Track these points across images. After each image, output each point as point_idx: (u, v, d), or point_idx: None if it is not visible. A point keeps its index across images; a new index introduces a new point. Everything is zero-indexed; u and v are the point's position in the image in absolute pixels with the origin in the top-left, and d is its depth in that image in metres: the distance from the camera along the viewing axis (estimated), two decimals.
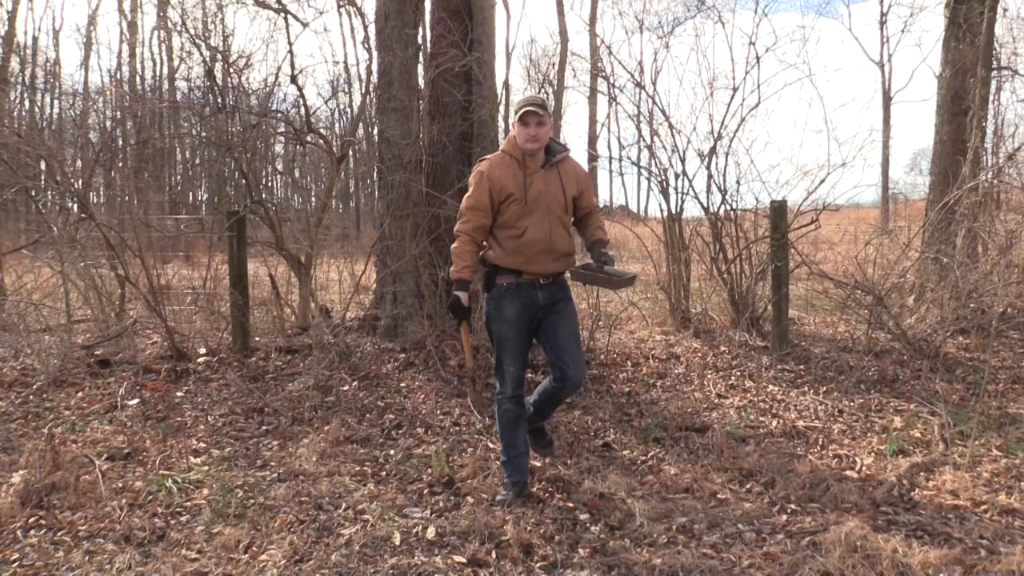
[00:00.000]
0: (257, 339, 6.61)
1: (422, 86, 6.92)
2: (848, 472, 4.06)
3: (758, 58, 7.09)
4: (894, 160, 31.92)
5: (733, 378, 5.76)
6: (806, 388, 5.47)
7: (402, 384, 5.63)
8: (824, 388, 5.43)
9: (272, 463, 4.30)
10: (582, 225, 4.02)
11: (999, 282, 6.30)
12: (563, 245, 3.79)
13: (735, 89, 7.08)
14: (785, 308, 6.21)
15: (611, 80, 8.02)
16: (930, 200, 8.16)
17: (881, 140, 27.35)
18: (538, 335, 3.86)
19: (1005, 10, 10.53)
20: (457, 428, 4.84)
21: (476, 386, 3.83)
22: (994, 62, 8.97)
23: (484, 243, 3.85)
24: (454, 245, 3.80)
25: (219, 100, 8.01)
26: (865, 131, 7.40)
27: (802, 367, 5.88)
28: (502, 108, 7.12)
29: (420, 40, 7.01)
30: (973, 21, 8.03)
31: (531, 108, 3.62)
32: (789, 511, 3.59)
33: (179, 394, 5.52)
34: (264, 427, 4.92)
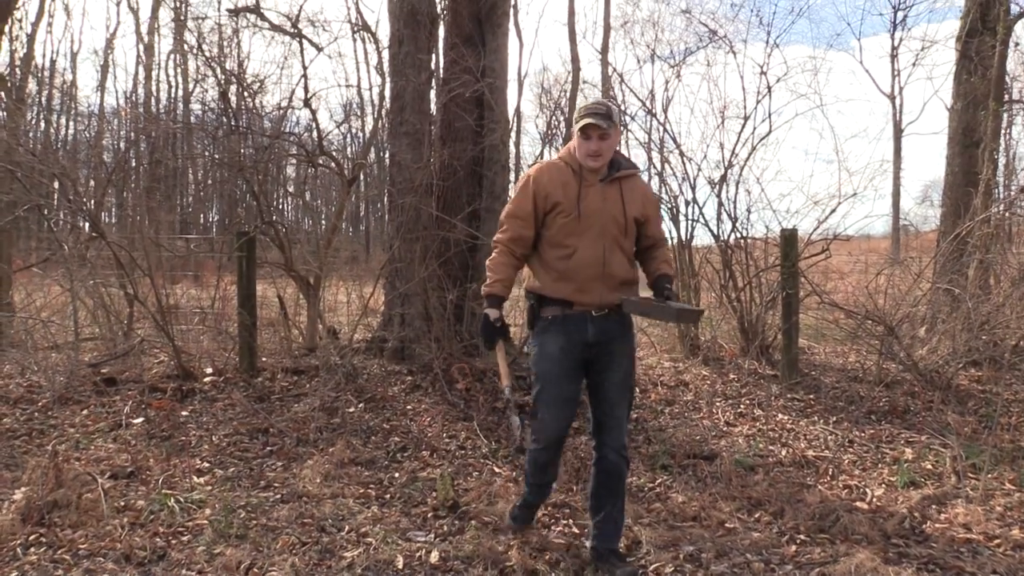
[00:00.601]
0: (264, 360, 6.60)
1: (434, 111, 6.96)
2: (858, 503, 4.00)
3: (769, 88, 7.12)
4: (905, 191, 31.93)
5: (742, 406, 5.70)
6: (816, 418, 5.41)
7: (408, 407, 5.59)
8: (834, 418, 5.37)
9: (276, 484, 4.26)
10: (645, 258, 3.39)
11: (1012, 314, 6.25)
12: (621, 271, 3.19)
13: (746, 118, 7.11)
14: (795, 337, 6.17)
15: (623, 108, 8.05)
16: (941, 231, 8.14)
17: (892, 171, 27.39)
18: (588, 379, 3.25)
19: (1016, 44, 10.56)
20: (463, 452, 4.80)
21: (511, 412, 3.31)
22: (1005, 95, 8.98)
23: (527, 266, 3.32)
24: (489, 257, 3.31)
25: (232, 122, 8.08)
26: (876, 162, 7.43)
27: (812, 396, 5.83)
28: (513, 134, 7.16)
29: (433, 66, 7.07)
30: (985, 55, 8.06)
31: (592, 120, 3.05)
32: (798, 541, 3.53)
33: (184, 413, 5.49)
34: (269, 448, 4.89)
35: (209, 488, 4.16)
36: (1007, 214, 8.11)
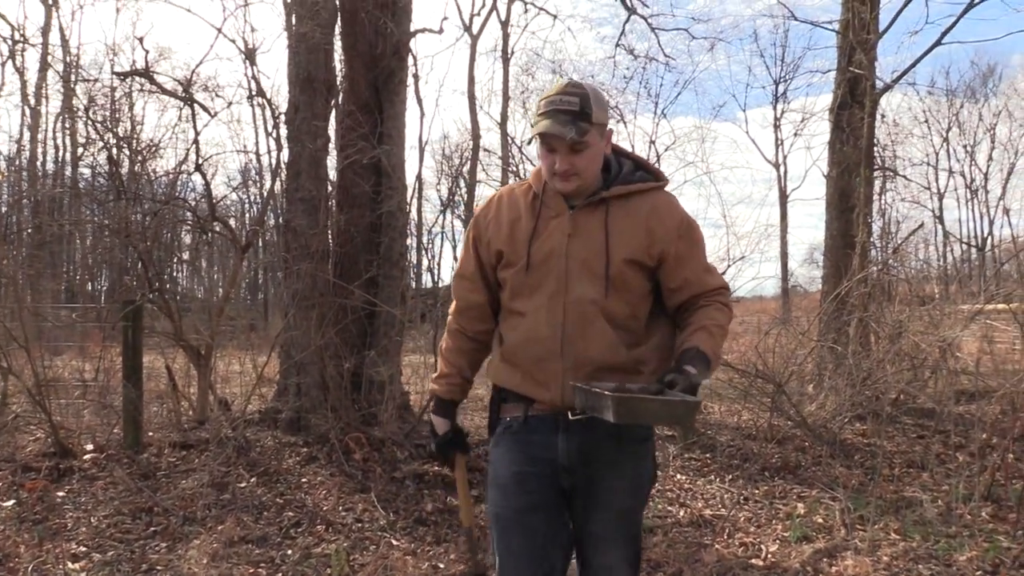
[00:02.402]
0: (151, 434, 6.29)
1: (333, 176, 6.93)
2: (754, 560, 4.06)
3: (658, 156, 7.41)
4: (792, 254, 33.56)
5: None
6: (712, 476, 5.51)
7: (303, 479, 5.41)
8: (730, 476, 5.48)
9: (159, 567, 4.02)
10: (680, 322, 2.13)
11: (890, 369, 6.57)
12: (602, 351, 2.01)
13: None
14: None
15: (521, 175, 8.21)
16: (824, 292, 8.55)
17: (779, 235, 28.77)
18: (573, 521, 2.13)
19: (883, 116, 11.36)
20: (360, 525, 4.65)
21: (476, 552, 2.48)
22: (876, 163, 9.61)
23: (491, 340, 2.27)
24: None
25: (121, 187, 7.83)
26: (762, 226, 7.77)
27: (708, 456, 5.94)
28: (414, 200, 7.19)
29: (331, 132, 7.07)
30: (855, 126, 8.63)
31: (551, 130, 1.92)
32: None
33: (60, 494, 5.15)
34: (152, 528, 4.61)
35: (85, 574, 3.89)
36: (883, 274, 8.60)
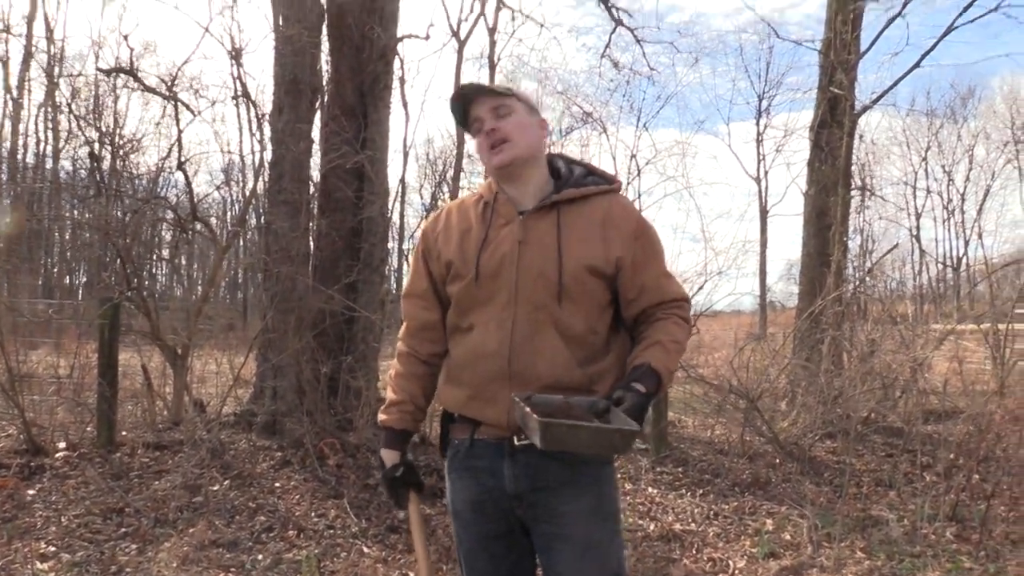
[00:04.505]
0: (124, 433, 6.25)
1: (316, 179, 6.94)
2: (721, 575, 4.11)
3: (639, 170, 7.47)
4: (771, 269, 33.82)
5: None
6: (684, 491, 5.56)
7: (277, 484, 5.40)
8: (701, 491, 5.53)
9: (128, 568, 4.00)
10: (636, 335, 1.98)
11: (861, 388, 6.66)
12: (552, 366, 1.85)
13: None
14: (664, 411, 6.36)
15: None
16: (799, 309, 8.65)
17: (758, 251, 28.99)
18: (540, 562, 1.96)
19: (861, 136, 11.53)
20: (331, 531, 4.66)
21: None
22: (854, 182, 9.75)
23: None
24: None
25: (101, 183, 7.79)
26: (740, 242, 7.87)
27: (680, 470, 5.99)
28: (397, 204, 7.21)
29: (314, 135, 7.07)
30: (834, 145, 8.76)
31: (467, 88, 1.97)
32: None
33: (31, 492, 5.11)
34: (123, 529, 4.59)
35: (53, 575, 3.87)
36: (858, 292, 8.72)
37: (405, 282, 2.17)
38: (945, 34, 8.31)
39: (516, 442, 1.84)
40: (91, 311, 8.56)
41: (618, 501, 2.00)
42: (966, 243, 36.82)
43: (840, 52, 8.65)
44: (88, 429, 6.15)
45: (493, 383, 1.85)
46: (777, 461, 6.07)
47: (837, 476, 5.81)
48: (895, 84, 9.05)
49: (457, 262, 1.93)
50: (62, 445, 5.93)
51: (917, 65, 8.50)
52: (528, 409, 1.64)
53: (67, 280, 27.29)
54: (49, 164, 28.05)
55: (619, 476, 5.83)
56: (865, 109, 9.09)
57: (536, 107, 2.01)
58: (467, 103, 1.95)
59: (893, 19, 8.80)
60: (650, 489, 5.60)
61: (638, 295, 1.93)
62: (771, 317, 20.43)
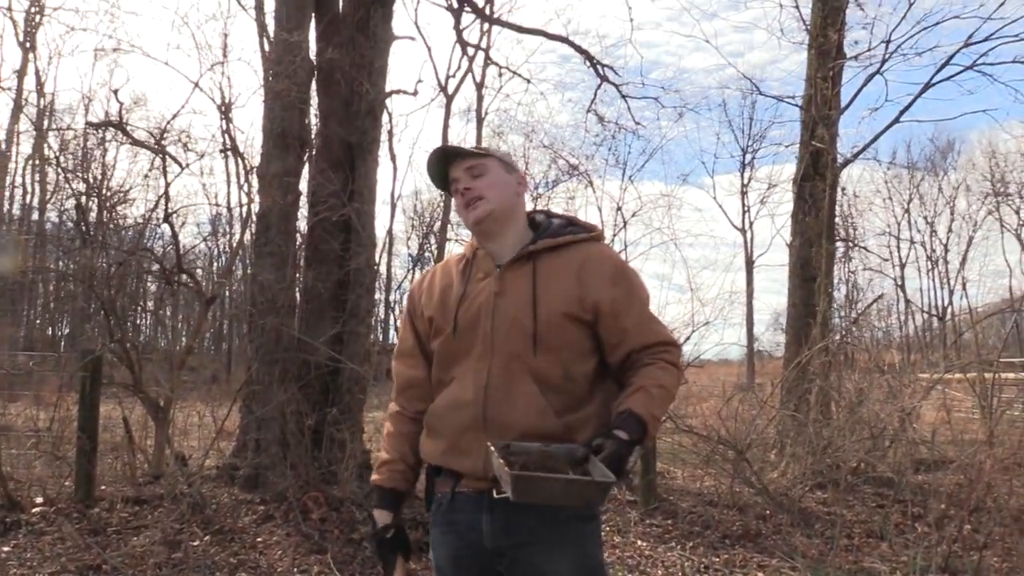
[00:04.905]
0: (103, 488, 6.13)
1: (303, 231, 6.95)
2: None
3: (625, 222, 7.54)
4: (758, 319, 33.91)
5: (602, 533, 5.71)
6: (673, 543, 5.48)
7: (259, 539, 5.29)
8: (691, 543, 5.45)
9: None
10: (621, 382, 1.92)
11: (851, 437, 6.63)
12: (525, 416, 1.82)
13: None
14: (652, 462, 6.30)
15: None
16: (786, 359, 8.66)
17: (744, 301, 29.14)
18: None
19: (843, 188, 11.71)
20: None
21: None
22: (838, 234, 9.86)
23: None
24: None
25: (88, 234, 7.79)
26: (727, 293, 7.91)
27: (670, 522, 5.91)
28: (384, 255, 7.22)
29: (302, 187, 7.11)
30: (817, 197, 8.88)
31: (444, 148, 2.03)
32: None
33: (6, 549, 4.98)
34: None
35: None
36: (844, 342, 8.75)
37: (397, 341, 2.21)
38: (923, 91, 8.53)
39: (495, 494, 1.78)
40: (73, 363, 8.50)
41: (602, 557, 1.97)
42: (951, 293, 37.11)
43: (821, 108, 8.83)
44: (66, 483, 6.04)
45: (468, 432, 1.85)
46: (767, 512, 6.00)
47: (828, 527, 5.75)
48: (875, 139, 9.26)
49: (438, 317, 1.97)
50: (39, 500, 5.81)
51: (896, 121, 8.70)
52: (501, 460, 1.61)
53: (49, 331, 27.08)
54: (35, 216, 28.06)
55: (607, 528, 5.76)
56: (847, 163, 9.25)
57: (513, 164, 2.06)
58: (446, 164, 2.01)
59: (872, 76, 9.02)
60: (639, 542, 5.52)
61: (620, 340, 1.90)
62: (759, 366, 20.46)
